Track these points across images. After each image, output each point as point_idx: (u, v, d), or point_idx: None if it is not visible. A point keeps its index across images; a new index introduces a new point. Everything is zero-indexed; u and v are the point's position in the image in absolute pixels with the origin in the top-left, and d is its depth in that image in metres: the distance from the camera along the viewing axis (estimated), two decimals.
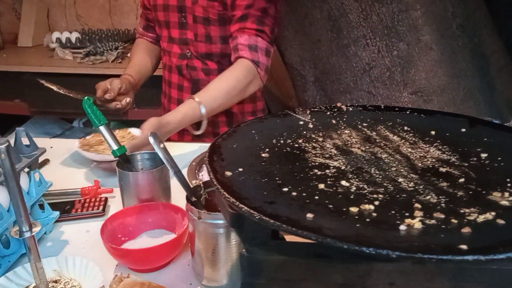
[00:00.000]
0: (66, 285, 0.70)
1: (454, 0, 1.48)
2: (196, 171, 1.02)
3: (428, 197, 0.52)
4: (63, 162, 1.15)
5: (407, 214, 0.48)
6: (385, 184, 0.56)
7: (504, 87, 1.57)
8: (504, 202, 0.50)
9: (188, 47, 1.32)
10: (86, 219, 0.89)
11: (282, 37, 1.74)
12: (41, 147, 0.84)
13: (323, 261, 0.47)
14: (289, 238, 0.54)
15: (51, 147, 1.20)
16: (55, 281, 0.71)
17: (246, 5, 1.19)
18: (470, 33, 1.51)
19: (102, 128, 0.87)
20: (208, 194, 0.74)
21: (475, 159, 0.63)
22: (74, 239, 0.83)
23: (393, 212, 0.48)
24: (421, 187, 0.55)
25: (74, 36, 2.51)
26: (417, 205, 0.50)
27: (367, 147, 0.67)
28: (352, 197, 0.52)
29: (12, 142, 0.76)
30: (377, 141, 0.70)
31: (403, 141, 0.69)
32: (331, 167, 0.61)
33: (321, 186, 0.55)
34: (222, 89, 1.18)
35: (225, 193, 0.48)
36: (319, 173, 0.59)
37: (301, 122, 0.74)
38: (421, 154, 0.65)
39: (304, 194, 0.52)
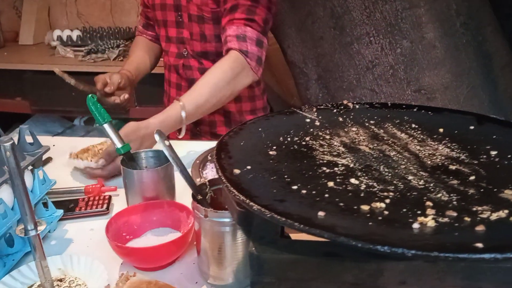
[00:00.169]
0: (71, 284, 0.69)
1: None
2: (200, 169, 1.02)
3: (439, 195, 0.52)
4: (66, 160, 1.14)
5: (419, 212, 0.47)
6: (395, 182, 0.55)
7: (507, 85, 1.56)
8: None
9: (184, 46, 1.32)
10: (90, 218, 0.89)
11: (284, 34, 1.73)
12: (44, 145, 0.83)
13: (333, 260, 0.47)
14: (294, 236, 0.54)
15: (54, 145, 1.19)
16: (60, 280, 0.70)
17: None
18: (473, 31, 1.50)
19: (106, 126, 0.87)
20: (214, 192, 0.74)
21: (484, 156, 0.62)
22: (78, 237, 0.83)
23: (404, 210, 0.48)
24: (431, 185, 0.55)
25: (75, 34, 2.50)
26: (429, 203, 0.49)
27: (375, 145, 0.67)
28: (362, 195, 0.52)
29: (15, 140, 0.76)
30: (385, 138, 0.69)
31: (411, 138, 0.69)
32: (340, 165, 0.60)
33: (331, 184, 0.54)
34: (207, 82, 1.12)
35: (234, 191, 0.48)
36: (327, 171, 0.58)
37: (308, 120, 0.74)
38: (430, 152, 0.64)
39: (313, 192, 0.51)
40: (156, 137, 0.70)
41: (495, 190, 0.53)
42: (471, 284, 0.47)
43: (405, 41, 1.52)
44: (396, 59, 1.54)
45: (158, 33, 1.38)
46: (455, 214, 0.47)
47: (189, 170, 0.98)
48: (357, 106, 0.78)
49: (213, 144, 1.12)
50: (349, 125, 0.73)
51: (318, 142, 0.67)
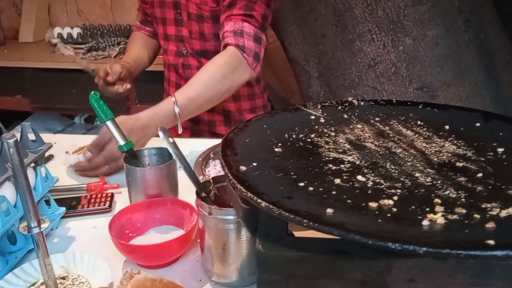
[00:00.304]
0: (74, 282, 0.69)
1: None
2: (202, 167, 1.01)
3: (447, 192, 0.51)
4: (64, 158, 1.13)
5: (427, 209, 0.47)
6: (402, 179, 0.55)
7: (510, 82, 1.56)
8: None
9: (184, 45, 1.31)
10: (92, 215, 0.88)
11: (286, 32, 1.72)
12: (47, 142, 0.83)
13: (341, 257, 0.46)
14: (297, 233, 0.53)
15: (55, 143, 1.18)
16: (63, 278, 0.70)
17: None
18: (476, 28, 1.50)
19: (108, 123, 0.86)
20: (218, 190, 0.73)
21: (491, 153, 0.62)
22: (81, 235, 0.82)
23: (413, 207, 0.47)
24: (439, 182, 0.54)
25: (75, 31, 2.49)
26: (437, 200, 0.49)
27: (381, 142, 0.66)
28: (369, 192, 0.51)
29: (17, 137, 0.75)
30: (391, 135, 0.69)
31: (417, 135, 0.68)
32: (346, 162, 0.60)
33: (337, 181, 0.53)
34: (201, 76, 1.10)
35: (242, 188, 0.47)
36: (334, 168, 0.58)
37: (313, 117, 0.73)
38: (436, 149, 0.64)
39: (321, 189, 0.51)
40: (160, 134, 0.70)
41: (503, 187, 0.52)
42: (480, 281, 0.46)
43: (407, 39, 1.51)
44: (398, 56, 1.54)
45: (157, 30, 1.36)
46: (464, 211, 0.46)
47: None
48: (362, 103, 0.78)
49: (214, 142, 1.12)
50: (354, 122, 0.73)
51: (323, 139, 0.67)
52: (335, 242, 0.47)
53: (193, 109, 1.10)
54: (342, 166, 0.58)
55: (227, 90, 1.13)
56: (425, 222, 0.44)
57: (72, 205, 0.89)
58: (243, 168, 0.54)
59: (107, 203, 0.89)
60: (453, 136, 0.67)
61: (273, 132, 0.66)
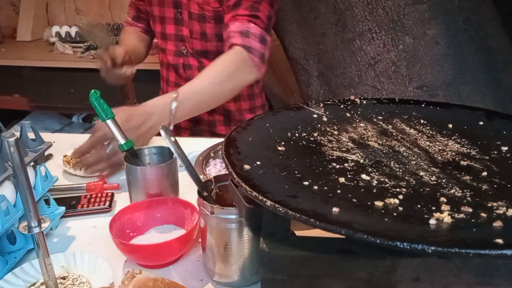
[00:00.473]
0: (75, 282, 0.68)
1: None
2: (203, 166, 1.01)
3: (452, 191, 0.51)
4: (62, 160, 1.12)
5: (433, 208, 0.46)
6: (406, 178, 0.55)
7: (510, 81, 1.56)
8: None
9: (184, 44, 1.29)
10: (92, 215, 0.87)
11: (286, 31, 1.72)
12: (47, 141, 0.82)
13: (347, 257, 0.46)
14: (298, 233, 0.53)
15: (54, 142, 1.18)
16: (63, 278, 0.69)
17: None
18: (476, 26, 1.49)
19: (109, 122, 0.85)
20: (219, 189, 0.73)
21: (495, 152, 0.61)
22: (81, 234, 0.82)
23: (419, 206, 0.47)
24: (443, 180, 0.54)
25: (73, 30, 2.49)
26: (443, 199, 0.49)
27: (384, 141, 0.66)
28: (374, 191, 0.51)
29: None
30: (394, 134, 0.68)
31: (420, 134, 0.68)
32: (349, 161, 0.59)
33: (342, 180, 0.53)
34: (208, 73, 1.09)
35: (246, 187, 0.47)
36: (337, 166, 0.57)
37: (315, 116, 0.73)
38: (440, 148, 0.64)
39: (325, 188, 0.50)
40: (162, 132, 0.69)
41: (508, 185, 0.52)
42: (486, 280, 0.46)
43: (407, 38, 1.51)
44: (398, 55, 1.54)
45: (153, 29, 1.34)
46: (470, 210, 0.46)
47: None
48: (364, 102, 0.77)
49: (214, 141, 1.11)
50: (357, 120, 0.72)
51: (326, 138, 0.66)
52: (340, 241, 0.46)
53: (196, 102, 1.07)
54: (346, 165, 0.58)
55: (231, 90, 1.13)
56: (432, 221, 0.43)
57: (72, 204, 0.88)
58: (247, 167, 0.53)
59: (107, 203, 0.89)
60: (456, 134, 0.67)
61: (276, 131, 0.66)
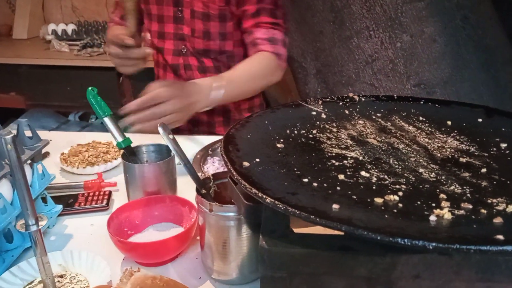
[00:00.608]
0: (72, 280, 0.68)
1: None
2: (201, 164, 1.00)
3: (452, 188, 0.51)
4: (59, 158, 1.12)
5: (433, 204, 0.46)
6: (406, 174, 0.54)
7: (508, 80, 1.56)
8: None
9: (184, 43, 1.27)
10: (90, 213, 0.87)
11: None
12: (44, 139, 0.81)
13: (346, 254, 0.46)
14: (297, 230, 0.53)
15: (51, 140, 1.17)
16: (61, 276, 0.69)
17: (257, 0, 1.18)
18: (474, 25, 1.49)
19: (106, 119, 0.85)
20: (217, 187, 0.73)
21: (495, 149, 0.61)
22: (78, 233, 0.81)
23: (419, 202, 0.47)
24: (443, 177, 0.54)
25: (70, 28, 2.47)
26: (443, 195, 0.48)
27: (383, 138, 0.66)
28: (374, 188, 0.51)
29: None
30: (393, 131, 0.68)
31: (419, 131, 0.68)
32: (349, 158, 0.59)
33: (341, 176, 0.53)
34: (245, 69, 1.16)
35: (246, 184, 0.46)
36: (337, 163, 0.57)
37: (314, 113, 0.73)
38: (439, 145, 0.63)
39: (325, 184, 0.50)
40: (160, 130, 0.69)
41: (508, 182, 0.52)
42: (486, 277, 0.46)
43: (405, 35, 1.51)
44: (396, 53, 1.54)
45: (148, 27, 1.31)
46: (470, 206, 0.46)
47: None
48: (363, 99, 0.77)
49: (212, 139, 1.11)
50: (356, 118, 0.72)
51: (325, 135, 0.66)
52: (340, 238, 0.46)
53: (230, 91, 1.12)
54: (345, 162, 0.58)
55: (261, 87, 1.26)
56: (432, 218, 0.43)
57: (69, 202, 0.88)
58: (246, 164, 0.53)
59: (105, 201, 0.88)
60: (455, 131, 0.67)
61: (275, 128, 0.65)
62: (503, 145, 0.62)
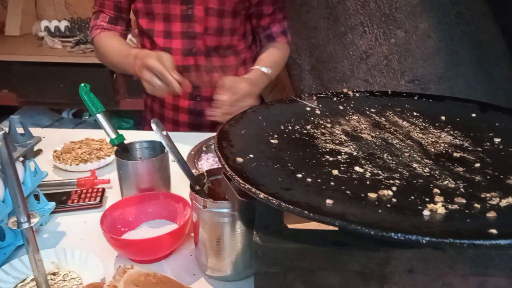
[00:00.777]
0: (65, 278, 0.68)
1: None
2: (195, 160, 1.00)
3: (445, 182, 0.51)
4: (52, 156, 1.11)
5: (427, 199, 0.46)
6: (399, 169, 0.54)
7: (502, 76, 1.57)
8: None
9: (194, 42, 1.23)
10: (83, 210, 0.86)
11: None
12: (36, 136, 0.81)
13: (340, 249, 0.45)
14: (291, 226, 0.52)
15: (43, 137, 1.16)
16: (54, 274, 0.68)
17: (272, 1, 1.28)
18: (469, 21, 1.50)
19: (99, 116, 0.84)
20: (211, 183, 0.72)
21: (488, 144, 0.61)
22: (72, 230, 0.81)
23: (412, 197, 0.47)
24: (437, 172, 0.54)
25: (63, 24, 2.45)
26: (436, 190, 0.49)
27: (377, 133, 0.66)
28: (368, 183, 0.51)
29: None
30: (387, 126, 0.68)
31: (413, 126, 0.68)
32: (343, 153, 0.59)
33: (335, 172, 0.53)
34: (276, 52, 1.31)
35: (239, 179, 0.46)
36: (331, 159, 0.57)
37: (308, 108, 0.72)
38: (433, 140, 0.63)
39: (319, 180, 0.50)
40: (153, 126, 0.68)
41: (501, 176, 0.52)
42: (479, 271, 0.46)
43: (399, 31, 1.51)
44: (390, 49, 1.54)
45: (150, 27, 1.23)
46: (464, 201, 0.46)
47: None
48: (357, 95, 0.77)
49: (206, 135, 1.11)
50: (350, 113, 0.72)
51: (319, 131, 0.66)
52: (334, 233, 0.46)
53: (273, 73, 1.26)
54: (339, 157, 0.57)
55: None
56: (426, 212, 0.43)
57: (62, 200, 0.87)
58: (239, 159, 0.53)
59: (98, 198, 0.88)
60: (449, 126, 0.67)
61: (269, 124, 0.65)
62: (497, 139, 0.62)
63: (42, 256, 0.62)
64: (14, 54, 2.28)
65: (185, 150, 1.03)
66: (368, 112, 0.72)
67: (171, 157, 0.85)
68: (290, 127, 0.66)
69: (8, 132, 0.77)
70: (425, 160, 0.57)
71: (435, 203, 0.45)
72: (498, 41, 1.57)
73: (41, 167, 0.82)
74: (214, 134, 1.09)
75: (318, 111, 0.72)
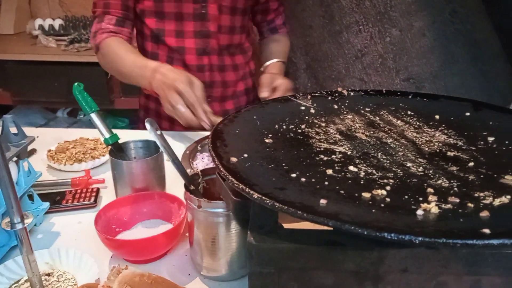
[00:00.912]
0: (60, 278, 0.67)
1: None
2: (190, 160, 1.00)
3: (439, 182, 0.51)
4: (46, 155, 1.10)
5: (421, 198, 0.46)
6: (393, 169, 0.54)
7: (496, 74, 1.57)
8: None
9: (208, 41, 1.21)
10: (77, 211, 0.86)
11: None
12: (29, 136, 0.80)
13: (334, 249, 0.45)
14: (286, 225, 0.52)
15: (37, 137, 1.15)
16: (48, 274, 0.68)
17: None
18: (463, 19, 1.50)
19: (93, 115, 0.84)
20: (206, 183, 0.72)
21: (482, 142, 0.61)
22: (66, 230, 0.80)
23: (406, 197, 0.47)
24: (430, 171, 0.54)
25: (57, 23, 2.44)
26: (430, 189, 0.49)
27: (371, 132, 0.66)
28: (362, 182, 0.50)
29: None
30: (381, 126, 0.68)
31: (407, 125, 0.68)
32: (337, 153, 0.59)
33: (329, 171, 0.53)
34: (284, 44, 1.46)
35: (233, 179, 0.46)
36: (325, 158, 0.57)
37: (303, 108, 0.72)
38: (427, 139, 0.64)
39: (313, 179, 0.50)
40: (147, 125, 0.68)
41: (495, 176, 0.52)
42: (473, 270, 0.46)
43: (394, 30, 1.51)
44: (385, 48, 1.53)
45: (159, 27, 1.19)
46: (457, 200, 0.46)
47: None
48: (351, 94, 0.77)
49: (201, 135, 1.10)
50: (345, 112, 0.72)
51: (314, 130, 0.66)
52: (328, 233, 0.46)
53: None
54: (333, 156, 0.57)
55: None
56: (419, 212, 0.43)
57: (56, 200, 0.87)
58: (233, 159, 0.52)
59: (92, 198, 0.88)
60: (443, 125, 0.67)
61: (264, 123, 0.65)
62: (490, 138, 0.62)
63: (36, 257, 0.61)
64: (8, 52, 2.27)
65: (180, 149, 1.03)
66: (362, 111, 0.72)
67: (166, 156, 0.85)
68: (284, 127, 0.66)
69: (1, 132, 0.76)
70: (419, 159, 0.57)
71: (428, 202, 0.45)
72: (493, 39, 1.57)
73: (35, 167, 0.81)
74: (209, 133, 1.10)
75: (312, 110, 0.72)
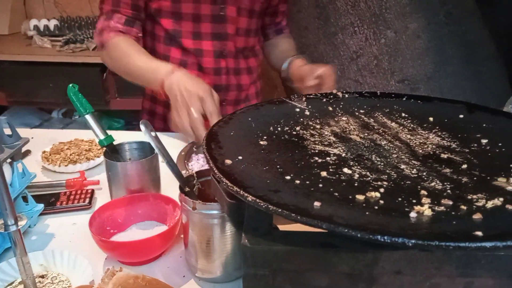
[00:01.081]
0: (54, 280, 0.67)
1: None
2: (185, 161, 1.00)
3: (433, 184, 0.51)
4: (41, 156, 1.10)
5: (414, 201, 0.47)
6: (387, 171, 0.55)
7: (490, 75, 1.58)
8: (510, 188, 0.50)
9: (226, 43, 1.19)
10: (72, 212, 0.86)
11: None
12: (24, 137, 0.80)
13: (329, 251, 0.46)
14: (282, 227, 0.53)
15: (32, 138, 1.15)
16: (42, 276, 0.68)
17: None
18: (457, 21, 1.51)
19: (87, 117, 0.83)
20: (201, 184, 0.72)
21: (475, 145, 0.62)
22: (60, 232, 0.80)
23: (400, 199, 0.47)
24: (424, 173, 0.54)
25: (52, 23, 2.43)
26: (423, 192, 0.49)
27: (366, 134, 0.66)
28: (356, 184, 0.51)
29: None
30: (375, 128, 0.68)
31: (401, 127, 0.68)
32: (332, 155, 0.59)
33: (324, 173, 0.53)
34: (291, 42, 1.43)
35: (227, 182, 0.46)
36: (319, 160, 0.57)
37: (297, 109, 0.72)
38: (421, 141, 0.64)
39: (307, 182, 0.50)
40: (142, 127, 0.68)
41: (488, 178, 0.53)
42: (466, 272, 0.46)
43: (389, 32, 1.52)
44: (380, 49, 1.54)
45: (176, 27, 1.16)
46: (450, 202, 0.46)
47: None
48: (346, 95, 0.77)
49: None
50: (339, 114, 0.72)
51: (308, 132, 0.66)
52: (323, 235, 0.46)
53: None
54: (328, 158, 0.58)
55: None
56: (413, 214, 0.43)
57: (51, 201, 0.86)
58: (228, 161, 0.53)
59: (87, 200, 0.87)
60: (437, 127, 0.68)
61: (258, 125, 0.65)
62: (484, 141, 0.63)
63: (30, 259, 0.61)
64: (3, 53, 2.26)
65: (175, 150, 1.03)
66: (357, 113, 0.73)
67: (161, 158, 0.85)
68: (279, 128, 0.66)
69: None
70: (413, 161, 0.58)
71: (422, 205, 0.45)
72: (487, 41, 1.58)
73: (29, 168, 0.81)
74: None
75: (307, 112, 0.72)
